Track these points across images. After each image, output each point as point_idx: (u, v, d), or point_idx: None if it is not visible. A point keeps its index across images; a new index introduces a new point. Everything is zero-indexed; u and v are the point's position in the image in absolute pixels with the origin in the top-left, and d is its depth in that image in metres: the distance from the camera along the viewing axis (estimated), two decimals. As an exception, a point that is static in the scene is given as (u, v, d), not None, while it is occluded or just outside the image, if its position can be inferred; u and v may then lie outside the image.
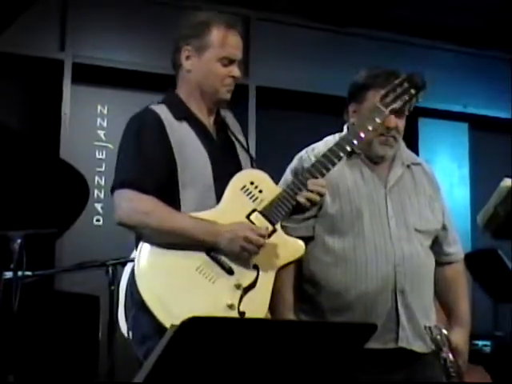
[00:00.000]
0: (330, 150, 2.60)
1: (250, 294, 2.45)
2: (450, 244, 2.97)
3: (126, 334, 2.82)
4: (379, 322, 2.65)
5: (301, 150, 2.93)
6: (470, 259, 5.10)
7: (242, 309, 2.43)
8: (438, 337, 2.75)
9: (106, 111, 5.56)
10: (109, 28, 5.56)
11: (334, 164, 2.58)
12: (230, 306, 2.41)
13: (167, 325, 2.22)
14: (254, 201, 2.53)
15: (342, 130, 2.93)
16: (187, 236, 2.44)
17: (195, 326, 1.65)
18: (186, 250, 2.44)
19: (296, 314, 2.80)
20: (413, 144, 6.19)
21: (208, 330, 1.68)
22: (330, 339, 1.88)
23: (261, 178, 2.59)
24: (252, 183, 2.55)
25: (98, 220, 5.36)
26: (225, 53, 2.60)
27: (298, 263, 2.74)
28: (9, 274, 3.41)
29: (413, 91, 2.66)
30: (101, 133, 5.52)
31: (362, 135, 2.63)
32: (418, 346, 2.78)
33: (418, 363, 2.79)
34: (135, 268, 2.44)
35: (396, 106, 2.65)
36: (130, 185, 2.47)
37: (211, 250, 2.45)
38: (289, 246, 2.57)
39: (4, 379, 3.39)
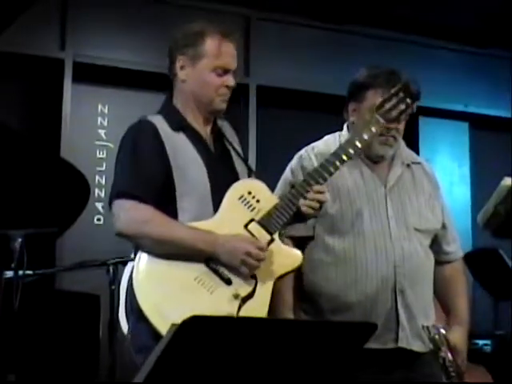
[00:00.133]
0: (327, 159, 2.60)
1: (249, 303, 2.46)
2: (449, 243, 2.97)
3: (126, 333, 2.83)
4: (379, 321, 2.65)
5: (301, 149, 2.93)
6: (471, 258, 5.11)
7: None
8: (437, 336, 2.76)
9: (106, 110, 5.56)
10: (109, 27, 5.56)
11: (331, 173, 2.58)
12: None
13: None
14: (251, 210, 2.53)
15: (342, 129, 2.93)
16: (186, 246, 2.44)
17: (195, 326, 1.65)
18: (185, 260, 2.44)
19: (296, 313, 2.80)
20: (413, 143, 6.20)
21: (208, 329, 1.68)
22: (331, 338, 1.88)
23: (258, 187, 2.59)
24: (250, 193, 2.55)
25: (98, 219, 5.37)
26: (219, 63, 2.58)
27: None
28: (10, 273, 3.42)
29: (409, 101, 2.67)
30: (101, 132, 5.52)
31: (359, 145, 2.63)
32: (418, 346, 2.78)
33: (417, 363, 2.79)
34: (134, 278, 2.44)
35: (392, 115, 2.66)
36: (128, 195, 2.47)
37: (210, 260, 2.46)
38: (286, 256, 2.58)
39: (5, 378, 3.39)
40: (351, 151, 2.60)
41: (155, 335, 2.31)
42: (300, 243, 2.80)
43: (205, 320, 1.69)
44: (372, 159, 2.86)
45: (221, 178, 2.57)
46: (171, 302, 2.38)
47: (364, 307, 2.72)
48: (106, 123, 5.53)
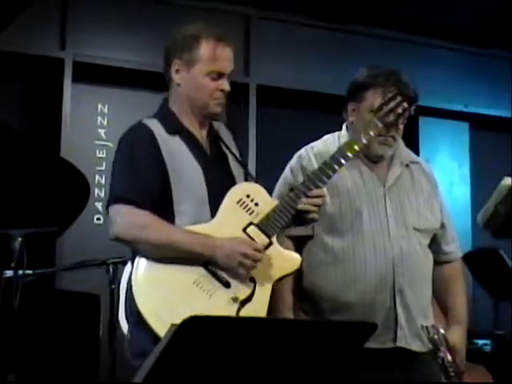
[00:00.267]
0: (325, 162, 2.59)
1: (247, 306, 2.46)
2: (448, 243, 2.97)
3: (126, 333, 2.83)
4: (378, 321, 2.65)
5: (301, 148, 2.93)
6: (471, 258, 5.12)
7: None
8: (436, 336, 2.76)
9: (106, 110, 5.56)
10: (109, 27, 5.56)
11: (329, 177, 2.58)
12: None
13: None
14: (250, 214, 2.53)
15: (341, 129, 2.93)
16: (184, 250, 2.44)
17: (195, 326, 1.65)
18: (183, 264, 2.44)
19: (295, 313, 2.80)
20: (413, 143, 6.20)
21: (208, 329, 1.68)
22: (331, 338, 1.88)
23: (257, 191, 2.59)
24: (248, 196, 2.55)
25: (98, 219, 5.37)
26: (214, 67, 2.57)
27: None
28: (9, 273, 3.41)
29: (406, 104, 2.67)
30: (101, 131, 5.52)
31: (357, 148, 2.63)
32: (416, 346, 2.78)
33: (416, 362, 2.79)
34: (132, 282, 2.45)
35: (390, 119, 2.66)
36: (125, 200, 2.47)
37: (208, 263, 2.46)
38: (285, 259, 2.58)
39: (5, 378, 3.39)
40: (349, 154, 2.60)
41: (154, 339, 2.30)
42: (299, 243, 2.81)
43: (204, 320, 1.69)
44: (371, 159, 2.86)
45: (218, 182, 2.57)
46: (170, 306, 2.37)
47: (363, 306, 2.72)
48: (105, 123, 5.53)
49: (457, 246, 3.02)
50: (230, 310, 2.43)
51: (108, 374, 3.70)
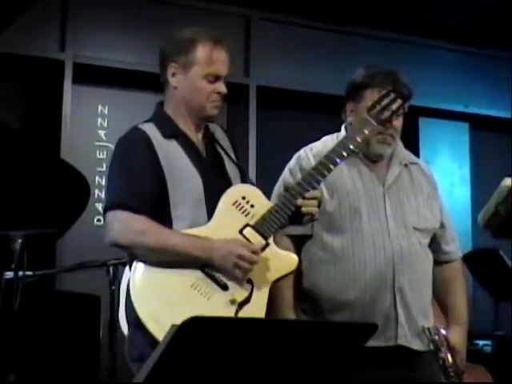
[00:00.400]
0: (320, 162, 2.59)
1: (245, 308, 2.46)
2: (448, 242, 2.98)
3: (126, 336, 2.83)
4: (378, 320, 2.66)
5: (301, 149, 2.94)
6: (471, 259, 5.12)
7: None
8: (436, 337, 2.76)
9: (106, 111, 5.56)
10: (109, 28, 5.56)
11: (324, 176, 2.58)
12: None
13: None
14: (246, 215, 2.54)
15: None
16: (181, 253, 2.44)
17: (196, 326, 1.65)
18: (181, 268, 2.45)
19: (296, 313, 2.80)
20: (413, 144, 6.20)
21: (208, 329, 1.68)
22: (331, 339, 1.88)
23: (252, 192, 2.59)
24: (244, 198, 2.55)
25: (98, 220, 5.36)
26: (210, 70, 2.58)
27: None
28: (10, 274, 3.42)
29: (400, 101, 2.67)
30: (101, 133, 5.52)
31: (352, 147, 2.62)
32: (417, 345, 2.79)
33: (416, 361, 2.79)
34: (130, 286, 2.45)
35: (383, 117, 2.66)
36: (122, 206, 2.47)
37: (205, 266, 2.46)
38: (282, 260, 2.58)
39: (5, 379, 3.39)
40: (344, 154, 2.60)
41: (152, 342, 2.30)
42: (299, 242, 2.82)
43: (204, 321, 1.69)
44: (370, 158, 2.86)
45: (214, 184, 2.57)
46: (168, 309, 2.37)
47: (363, 306, 2.73)
48: (105, 124, 5.54)
49: (457, 245, 3.02)
50: (228, 313, 2.43)
51: (108, 375, 3.70)
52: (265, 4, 5.91)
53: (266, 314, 2.51)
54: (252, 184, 2.70)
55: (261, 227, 2.52)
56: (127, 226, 2.47)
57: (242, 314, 2.45)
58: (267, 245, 2.52)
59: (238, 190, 2.59)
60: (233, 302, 2.45)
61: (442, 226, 2.95)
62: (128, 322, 2.57)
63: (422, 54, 6.41)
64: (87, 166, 4.82)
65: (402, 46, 6.36)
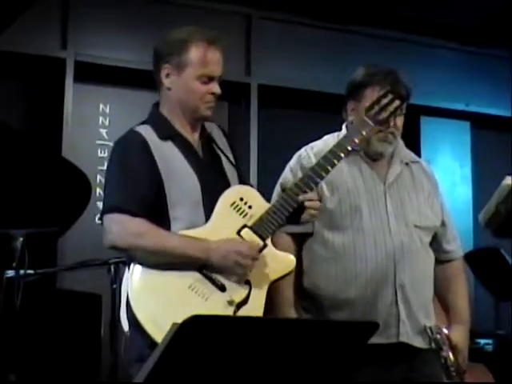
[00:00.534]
0: (318, 163, 2.59)
1: (243, 309, 2.46)
2: (449, 241, 2.98)
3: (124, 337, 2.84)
4: (380, 317, 2.67)
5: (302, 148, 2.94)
6: (472, 258, 5.12)
7: None
8: (438, 336, 2.76)
9: (108, 110, 5.56)
10: (110, 26, 5.56)
11: (322, 177, 2.57)
12: None
13: None
14: (243, 217, 2.53)
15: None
16: (180, 255, 2.44)
17: (196, 325, 1.65)
18: (178, 269, 2.45)
19: (297, 311, 2.80)
20: (415, 142, 6.20)
21: (209, 328, 1.68)
22: (332, 337, 1.88)
23: (250, 193, 2.59)
24: (241, 199, 2.55)
25: (100, 218, 5.35)
26: (204, 71, 2.57)
27: (298, 259, 2.75)
28: (11, 273, 3.42)
29: (397, 102, 2.67)
30: (103, 131, 5.52)
31: (349, 148, 2.62)
32: (418, 342, 2.79)
33: (417, 359, 2.79)
34: (129, 289, 2.45)
35: (381, 117, 2.66)
36: (119, 209, 2.48)
37: (203, 267, 2.46)
38: (280, 261, 2.58)
39: (6, 378, 3.39)
40: (342, 155, 2.60)
41: (151, 344, 2.30)
42: (300, 239, 2.82)
43: (205, 320, 1.69)
44: (371, 157, 2.86)
45: (211, 185, 2.57)
46: (166, 311, 2.37)
47: (364, 303, 2.73)
48: (107, 122, 5.54)
49: (458, 244, 3.02)
50: (225, 313, 2.42)
51: (109, 374, 3.70)
52: (265, 3, 5.91)
53: (266, 312, 2.51)
54: (249, 185, 2.70)
55: (258, 228, 2.52)
56: (125, 228, 2.48)
57: (240, 314, 2.44)
58: (265, 246, 2.52)
59: (236, 191, 2.59)
60: (231, 302, 2.45)
61: (443, 224, 2.95)
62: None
63: (423, 53, 6.41)
64: (89, 165, 4.81)
65: (403, 45, 6.36)
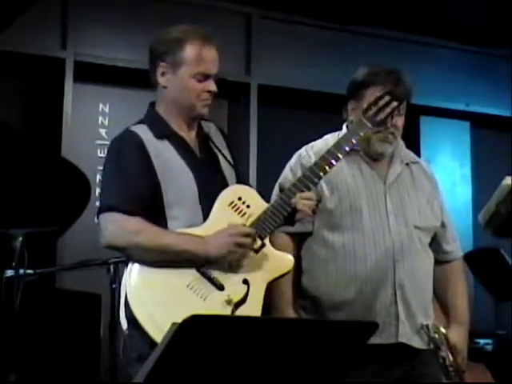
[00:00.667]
0: (316, 163, 2.59)
1: (241, 309, 2.46)
2: (448, 242, 2.98)
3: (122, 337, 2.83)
4: (379, 317, 2.67)
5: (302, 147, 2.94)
6: (472, 258, 5.12)
7: None
8: (436, 335, 2.76)
9: (107, 109, 5.56)
10: (110, 26, 5.55)
11: (320, 178, 2.58)
12: None
13: None
14: (242, 216, 2.54)
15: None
16: (178, 251, 2.44)
17: (196, 325, 1.65)
18: (176, 268, 2.45)
19: (296, 311, 2.80)
20: (414, 142, 6.19)
21: (209, 328, 1.68)
22: (332, 337, 1.88)
23: (248, 193, 2.59)
24: (240, 199, 2.55)
25: (96, 218, 5.35)
26: (199, 69, 2.57)
27: (298, 259, 2.74)
28: (10, 272, 3.42)
29: (395, 103, 2.67)
30: (102, 131, 5.52)
31: (347, 148, 2.63)
32: (417, 342, 2.79)
33: (417, 359, 2.80)
34: (127, 288, 2.45)
35: (378, 119, 2.66)
36: (116, 208, 2.47)
37: (201, 266, 2.46)
38: (278, 261, 2.58)
39: (6, 378, 3.39)
40: (340, 155, 2.60)
41: (151, 343, 2.30)
42: (299, 239, 2.82)
43: (205, 319, 1.69)
44: (371, 157, 2.86)
45: (209, 184, 2.57)
46: (165, 310, 2.37)
47: (364, 303, 2.73)
48: (106, 122, 5.53)
49: (457, 245, 3.02)
50: (224, 313, 2.42)
51: (109, 373, 3.70)
52: (266, 2, 5.91)
53: (265, 311, 2.51)
54: (248, 184, 2.70)
55: (257, 228, 2.51)
56: (121, 227, 2.47)
57: (238, 314, 2.44)
58: (263, 245, 2.52)
59: (234, 191, 2.59)
60: (229, 302, 2.45)
61: (443, 225, 2.95)
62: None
63: (423, 53, 6.41)
64: (88, 165, 4.81)
65: (403, 45, 6.36)
